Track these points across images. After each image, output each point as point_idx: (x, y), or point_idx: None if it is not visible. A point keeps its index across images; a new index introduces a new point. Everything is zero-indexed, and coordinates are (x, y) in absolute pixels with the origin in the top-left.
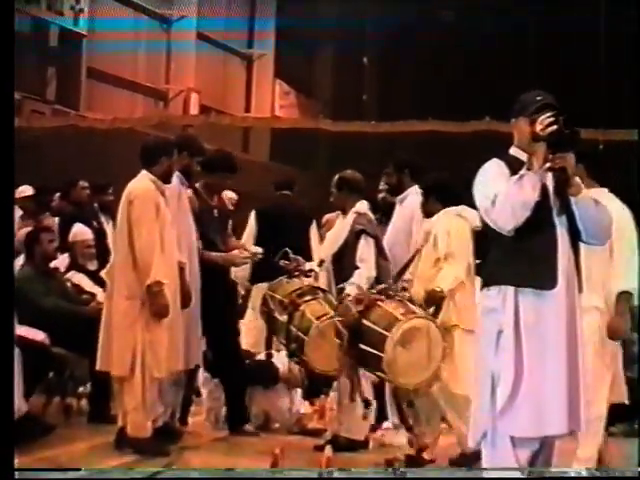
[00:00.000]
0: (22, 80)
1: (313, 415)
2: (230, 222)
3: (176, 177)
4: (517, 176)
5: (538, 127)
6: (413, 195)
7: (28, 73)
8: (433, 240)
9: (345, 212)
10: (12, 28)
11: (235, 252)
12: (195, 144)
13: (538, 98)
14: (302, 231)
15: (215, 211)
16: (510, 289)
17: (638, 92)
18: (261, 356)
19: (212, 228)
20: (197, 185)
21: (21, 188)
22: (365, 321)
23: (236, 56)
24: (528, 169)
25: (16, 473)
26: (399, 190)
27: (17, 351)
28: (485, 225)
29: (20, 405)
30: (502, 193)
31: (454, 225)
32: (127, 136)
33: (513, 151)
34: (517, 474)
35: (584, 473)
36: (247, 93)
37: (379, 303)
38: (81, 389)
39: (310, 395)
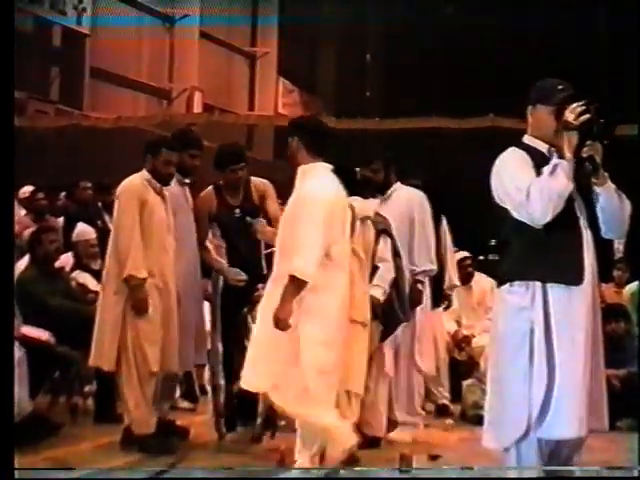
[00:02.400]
0: (25, 80)
1: None
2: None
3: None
4: (550, 166)
5: (570, 116)
6: (403, 190)
7: (31, 73)
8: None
9: None
10: (12, 27)
11: (233, 269)
12: (185, 137)
13: (560, 87)
14: None
15: (237, 211)
16: (538, 285)
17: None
18: None
19: (233, 231)
20: (220, 182)
21: (24, 188)
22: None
23: (239, 54)
24: (560, 158)
25: (16, 473)
26: (384, 186)
27: (22, 351)
28: (504, 218)
29: (25, 405)
30: (536, 184)
31: None
32: (131, 135)
33: (528, 140)
34: (518, 474)
35: (593, 473)
36: (250, 91)
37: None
38: (87, 388)
39: None
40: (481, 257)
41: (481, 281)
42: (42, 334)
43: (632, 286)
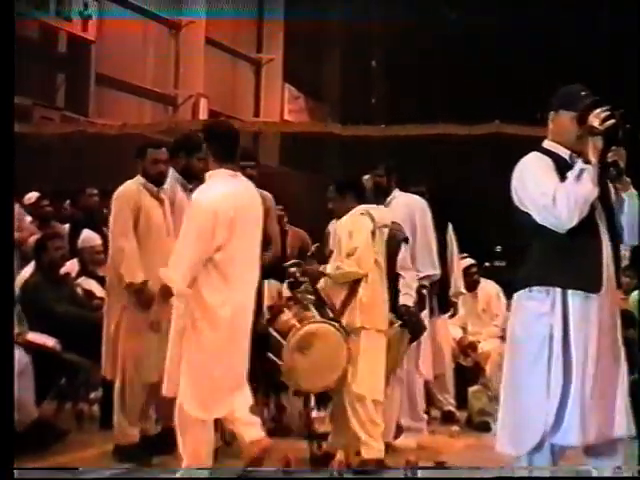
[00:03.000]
0: (31, 86)
1: (325, 419)
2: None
3: (175, 180)
4: (576, 171)
5: (594, 121)
6: (403, 196)
7: (37, 79)
8: (338, 241)
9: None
10: (12, 31)
11: None
12: (190, 142)
13: (583, 93)
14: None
15: None
16: (558, 291)
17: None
18: None
19: None
20: None
21: (30, 194)
22: (271, 329)
23: (245, 61)
24: (586, 163)
25: (16, 473)
26: (385, 193)
27: (29, 357)
28: (518, 223)
29: (32, 411)
30: (562, 189)
31: (356, 224)
32: (136, 142)
33: (549, 145)
34: (525, 473)
35: (594, 473)
36: (256, 98)
37: (284, 310)
38: (93, 395)
39: (322, 399)
40: (487, 263)
41: (486, 287)
42: (48, 341)
43: (634, 294)
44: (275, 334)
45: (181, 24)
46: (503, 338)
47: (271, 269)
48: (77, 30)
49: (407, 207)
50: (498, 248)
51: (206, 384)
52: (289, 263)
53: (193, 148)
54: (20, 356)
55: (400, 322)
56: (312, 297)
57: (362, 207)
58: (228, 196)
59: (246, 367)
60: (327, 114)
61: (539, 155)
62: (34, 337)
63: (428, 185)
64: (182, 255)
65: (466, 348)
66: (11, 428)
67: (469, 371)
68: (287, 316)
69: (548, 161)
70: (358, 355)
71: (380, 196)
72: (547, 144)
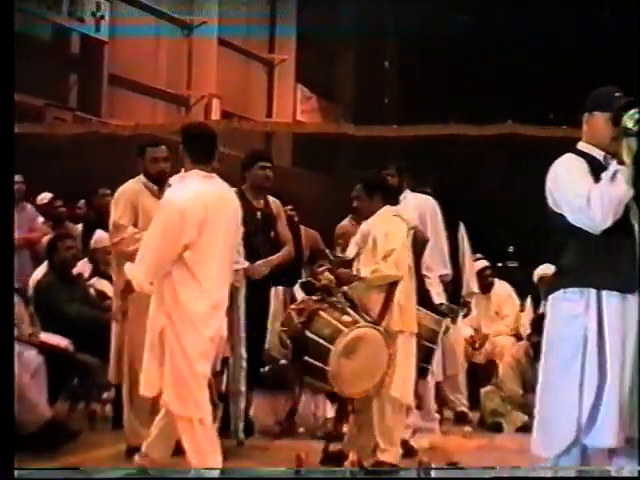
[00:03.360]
0: (44, 87)
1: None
2: (277, 226)
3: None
4: (610, 172)
5: (629, 122)
6: (412, 196)
7: (50, 80)
8: (372, 242)
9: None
10: (12, 28)
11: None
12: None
13: (617, 94)
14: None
15: (258, 213)
16: (592, 292)
17: None
18: (285, 361)
19: (254, 232)
20: (243, 187)
21: (42, 195)
22: (308, 332)
23: (257, 61)
24: (620, 164)
25: (16, 473)
26: (397, 192)
27: (41, 358)
28: (552, 224)
29: (45, 411)
30: (596, 190)
31: (393, 226)
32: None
33: (583, 147)
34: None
35: (596, 473)
36: (268, 98)
37: (320, 313)
38: (105, 395)
39: (335, 399)
40: (499, 264)
41: (500, 289)
42: (61, 341)
43: None
44: (316, 337)
45: (193, 25)
46: (517, 337)
47: (285, 271)
48: (90, 31)
49: (418, 207)
50: (510, 248)
51: (188, 383)
52: (323, 268)
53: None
54: (33, 356)
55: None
56: (340, 300)
57: (392, 208)
58: (198, 196)
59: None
60: (340, 114)
61: (573, 156)
62: (47, 337)
63: (434, 185)
64: (146, 252)
65: (476, 340)
66: (11, 428)
67: (481, 372)
68: (325, 319)
69: (582, 162)
70: (395, 359)
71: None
72: (581, 145)
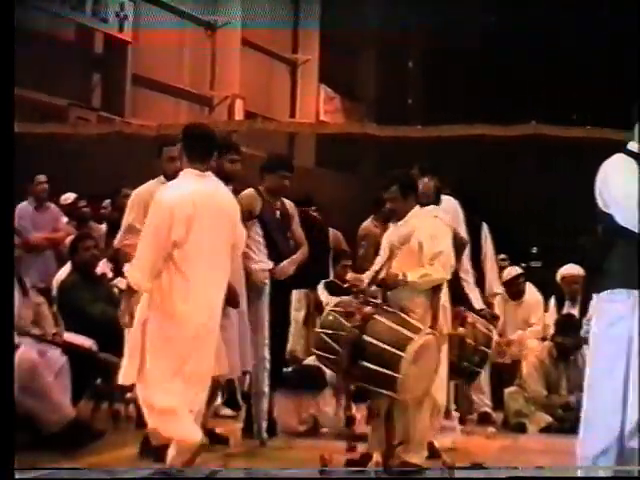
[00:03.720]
0: (68, 87)
1: (361, 420)
2: (292, 226)
3: None
4: None
5: None
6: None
7: (73, 80)
8: (417, 245)
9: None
10: (12, 27)
11: (260, 272)
12: (222, 144)
13: None
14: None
15: (277, 213)
16: (635, 293)
17: None
18: (308, 361)
19: (275, 230)
20: (260, 188)
21: (66, 195)
22: (367, 337)
23: (280, 61)
24: None
25: (16, 473)
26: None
27: (65, 358)
28: (600, 225)
29: (69, 411)
30: None
31: (437, 228)
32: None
33: (633, 147)
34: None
35: (592, 473)
36: (292, 98)
37: (376, 317)
38: (129, 395)
39: (358, 400)
40: (523, 264)
41: (530, 296)
42: (85, 341)
43: None
44: (377, 342)
45: (217, 25)
46: (541, 338)
47: (301, 273)
48: (113, 31)
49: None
50: (534, 249)
51: (163, 377)
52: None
53: (222, 150)
54: (57, 356)
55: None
56: (389, 304)
57: (428, 209)
58: (188, 194)
59: (211, 367)
60: (363, 115)
61: (623, 157)
62: (71, 337)
63: (454, 186)
64: (141, 252)
65: (501, 345)
66: (11, 428)
67: (505, 372)
68: (385, 324)
69: (632, 163)
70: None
71: None
72: (631, 146)
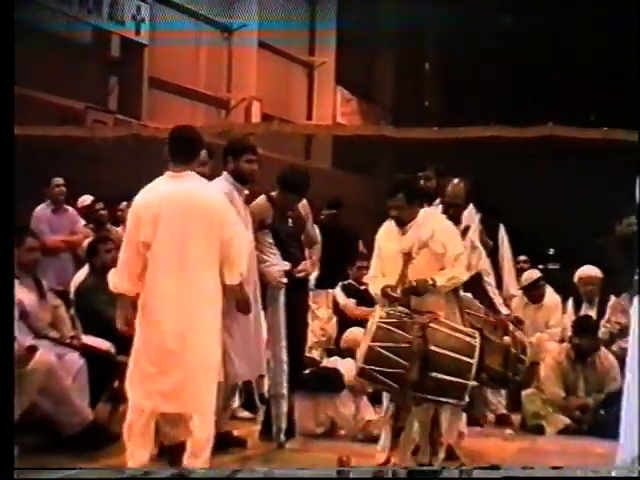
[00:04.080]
0: (84, 90)
1: (379, 422)
2: (306, 229)
3: (231, 185)
4: None
5: None
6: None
7: (90, 83)
8: (442, 248)
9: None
10: (12, 31)
11: (275, 272)
12: (235, 145)
13: None
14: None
15: (290, 221)
16: None
17: None
18: (326, 363)
19: (287, 238)
20: (273, 195)
21: (83, 197)
22: (433, 347)
23: (297, 64)
24: None
25: (16, 473)
26: (433, 196)
27: (83, 360)
28: None
29: (87, 414)
30: None
31: (453, 229)
32: None
33: None
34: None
35: (590, 473)
36: (309, 101)
37: (433, 325)
38: None
39: (376, 402)
40: (541, 266)
41: (550, 299)
42: (102, 344)
43: None
44: (447, 352)
45: (233, 27)
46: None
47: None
48: (130, 34)
49: None
50: (551, 251)
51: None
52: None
53: (238, 151)
54: (75, 359)
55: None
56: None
57: (437, 209)
58: (157, 195)
59: (183, 368)
60: (380, 117)
61: None
62: (88, 340)
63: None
64: (120, 255)
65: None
66: (11, 428)
67: (523, 374)
68: (443, 332)
69: None
70: None
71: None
72: None
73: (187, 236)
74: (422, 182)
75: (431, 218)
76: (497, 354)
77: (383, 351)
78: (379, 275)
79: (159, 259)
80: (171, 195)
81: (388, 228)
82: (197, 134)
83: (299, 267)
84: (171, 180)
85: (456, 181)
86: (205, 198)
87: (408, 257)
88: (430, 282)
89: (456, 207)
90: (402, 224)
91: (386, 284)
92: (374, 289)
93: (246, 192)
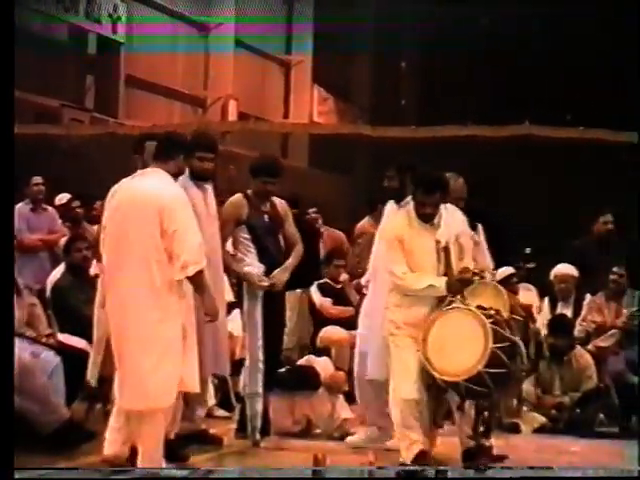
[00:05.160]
0: (61, 88)
1: (356, 421)
2: (285, 227)
3: (189, 180)
4: None
5: None
6: None
7: (67, 81)
8: (473, 240)
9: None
10: (12, 31)
11: (255, 275)
12: (191, 142)
13: None
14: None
15: (265, 217)
16: None
17: None
18: (302, 361)
19: (263, 234)
20: (248, 191)
21: (60, 196)
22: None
23: (274, 62)
24: None
25: (16, 473)
26: (401, 194)
27: (59, 358)
28: None
29: (63, 412)
30: None
31: (465, 221)
32: None
33: None
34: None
35: (590, 473)
36: (285, 99)
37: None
38: None
39: (352, 400)
40: (518, 265)
41: (525, 296)
42: (78, 342)
43: None
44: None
45: (210, 26)
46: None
47: (300, 273)
48: (107, 32)
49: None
50: (528, 250)
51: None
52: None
53: (190, 148)
54: (51, 357)
55: None
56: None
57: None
58: (119, 189)
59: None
60: (357, 116)
61: None
62: (65, 338)
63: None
64: None
65: None
66: (11, 428)
67: None
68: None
69: None
70: None
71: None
72: None
73: (133, 227)
74: (385, 182)
75: (454, 212)
76: None
77: (498, 352)
78: (407, 270)
79: (106, 251)
80: (126, 192)
81: (408, 223)
82: (176, 135)
83: (266, 282)
84: (137, 176)
85: (461, 180)
86: (154, 191)
87: (446, 251)
88: (478, 273)
89: (460, 202)
90: (429, 219)
91: (459, 273)
92: (415, 284)
93: (208, 187)
